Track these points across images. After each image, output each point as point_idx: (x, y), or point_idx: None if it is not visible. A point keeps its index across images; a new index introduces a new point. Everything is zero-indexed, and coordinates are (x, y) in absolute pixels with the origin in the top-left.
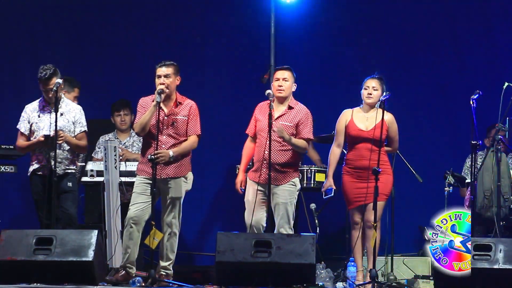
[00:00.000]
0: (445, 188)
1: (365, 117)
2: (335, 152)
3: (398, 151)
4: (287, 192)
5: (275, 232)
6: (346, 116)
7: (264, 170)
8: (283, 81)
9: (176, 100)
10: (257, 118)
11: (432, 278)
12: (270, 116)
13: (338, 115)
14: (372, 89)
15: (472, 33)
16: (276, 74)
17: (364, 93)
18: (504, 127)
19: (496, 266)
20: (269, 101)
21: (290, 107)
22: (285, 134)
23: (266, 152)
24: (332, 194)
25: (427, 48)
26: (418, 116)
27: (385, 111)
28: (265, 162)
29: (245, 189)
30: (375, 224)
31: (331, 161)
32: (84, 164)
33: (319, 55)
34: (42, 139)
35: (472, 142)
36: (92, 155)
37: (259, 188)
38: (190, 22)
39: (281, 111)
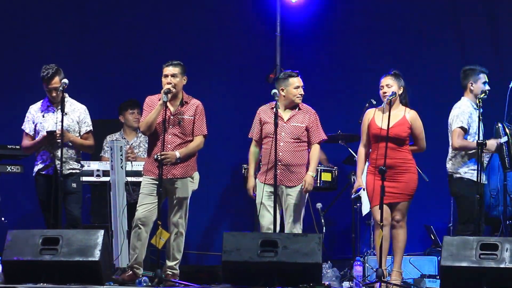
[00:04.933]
0: None
1: (386, 116)
2: (361, 152)
3: None
4: (300, 193)
5: (286, 232)
6: (369, 115)
7: (278, 171)
8: (302, 88)
9: (183, 100)
10: (264, 121)
11: (438, 277)
12: (276, 115)
13: (344, 115)
14: (386, 87)
15: (477, 31)
16: (297, 81)
17: (380, 93)
18: (510, 127)
19: (502, 265)
20: (271, 103)
21: (299, 108)
22: (310, 186)
23: (281, 153)
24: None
25: (433, 47)
26: (424, 114)
27: (408, 108)
28: (279, 163)
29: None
30: (381, 224)
31: (358, 161)
32: None
33: (325, 54)
34: (46, 134)
35: (478, 141)
36: (101, 154)
37: (271, 189)
38: (196, 22)
39: (290, 113)
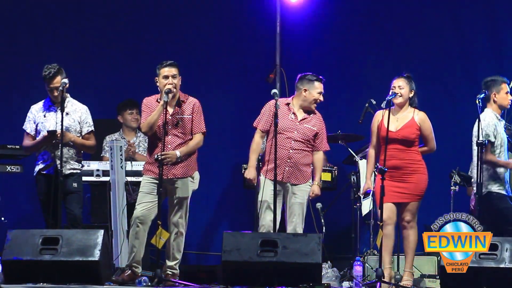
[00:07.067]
0: (451, 187)
1: (396, 118)
2: (371, 154)
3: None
4: (305, 193)
5: (288, 231)
6: (378, 117)
7: (287, 169)
8: (322, 96)
9: (180, 99)
10: (278, 116)
11: (438, 277)
12: (276, 115)
13: (344, 115)
14: (398, 88)
15: (478, 32)
16: (320, 87)
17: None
18: (510, 126)
19: (502, 265)
20: (285, 99)
21: (311, 113)
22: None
23: (291, 150)
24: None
25: (433, 47)
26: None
27: (417, 110)
28: (288, 161)
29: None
30: (381, 224)
31: (368, 163)
32: None
33: (324, 54)
34: (47, 134)
35: (478, 141)
36: (102, 154)
37: (276, 186)
38: (196, 22)
39: (303, 114)
